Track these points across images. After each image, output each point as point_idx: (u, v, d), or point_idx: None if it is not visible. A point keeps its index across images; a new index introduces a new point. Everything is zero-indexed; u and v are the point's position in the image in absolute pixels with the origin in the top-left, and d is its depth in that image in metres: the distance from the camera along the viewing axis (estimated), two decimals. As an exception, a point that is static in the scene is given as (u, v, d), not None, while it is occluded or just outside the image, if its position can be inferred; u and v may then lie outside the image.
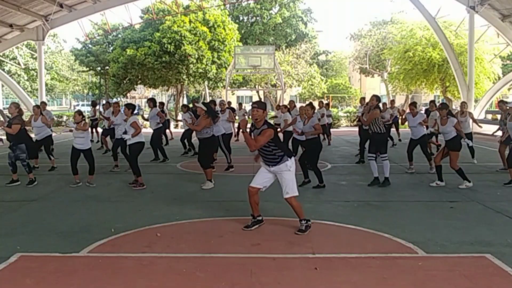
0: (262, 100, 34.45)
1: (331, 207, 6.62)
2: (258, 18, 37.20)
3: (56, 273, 4.14)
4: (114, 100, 36.72)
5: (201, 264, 4.33)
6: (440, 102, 12.88)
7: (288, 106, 11.68)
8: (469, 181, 7.80)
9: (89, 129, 8.92)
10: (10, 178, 8.38)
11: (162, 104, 14.48)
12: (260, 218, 5.46)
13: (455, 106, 35.38)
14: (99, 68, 34.47)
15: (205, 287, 3.84)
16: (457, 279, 3.94)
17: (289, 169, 5.18)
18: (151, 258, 4.48)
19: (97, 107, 16.64)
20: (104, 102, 18.64)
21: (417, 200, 7.05)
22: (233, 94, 42.96)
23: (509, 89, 27.73)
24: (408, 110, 9.81)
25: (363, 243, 4.94)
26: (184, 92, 36.70)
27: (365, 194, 7.45)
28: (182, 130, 13.38)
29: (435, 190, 7.69)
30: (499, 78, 23.16)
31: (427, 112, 11.18)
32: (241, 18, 37.64)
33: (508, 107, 9.39)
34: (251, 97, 49.51)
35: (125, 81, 27.48)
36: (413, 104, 9.83)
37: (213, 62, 25.97)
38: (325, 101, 15.39)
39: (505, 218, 5.92)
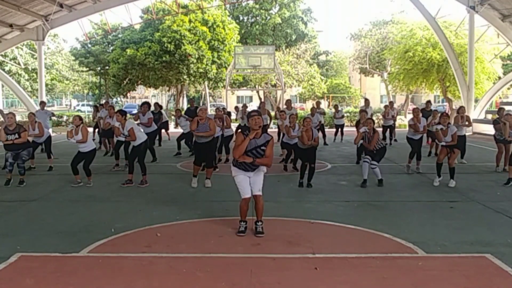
0: (262, 100, 34.49)
1: (331, 207, 6.62)
2: (257, 18, 37.17)
3: (56, 273, 4.14)
4: (113, 100, 36.74)
5: (201, 264, 4.33)
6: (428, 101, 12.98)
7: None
8: (455, 181, 7.93)
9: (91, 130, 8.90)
10: (5, 180, 8.29)
11: (160, 106, 14.39)
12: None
13: (455, 106, 35.35)
14: (98, 68, 34.49)
15: (205, 287, 3.84)
16: (457, 279, 3.95)
17: (264, 169, 5.29)
18: (151, 258, 4.48)
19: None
20: (103, 102, 18.59)
21: (417, 200, 7.05)
22: (233, 94, 42.97)
23: (508, 89, 27.70)
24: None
25: (363, 243, 4.94)
26: (184, 92, 36.72)
27: (365, 194, 7.45)
28: (180, 131, 13.24)
29: (435, 190, 7.70)
30: (499, 78, 23.15)
31: (423, 112, 11.16)
32: (241, 18, 37.62)
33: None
34: (251, 97, 49.54)
35: (125, 81, 27.50)
36: (417, 110, 9.70)
37: (213, 62, 25.98)
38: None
39: (505, 218, 5.93)
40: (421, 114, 9.61)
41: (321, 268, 4.19)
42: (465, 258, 4.47)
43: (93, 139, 10.06)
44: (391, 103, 15.13)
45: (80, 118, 8.44)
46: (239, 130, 5.87)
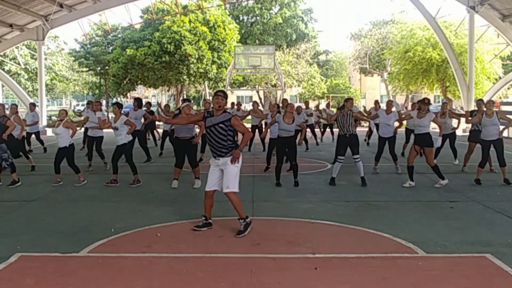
0: (262, 100, 34.48)
1: (331, 207, 6.62)
2: (258, 18, 37.16)
3: (56, 273, 4.14)
4: (113, 100, 36.71)
5: (201, 264, 4.33)
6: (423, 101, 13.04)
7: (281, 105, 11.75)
8: (444, 179, 7.85)
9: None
10: (11, 179, 8.32)
11: (149, 104, 14.33)
12: (210, 221, 5.43)
13: (455, 106, 35.32)
14: (98, 68, 34.48)
15: (205, 287, 3.84)
16: (457, 279, 3.94)
17: (235, 164, 5.16)
18: (151, 258, 4.48)
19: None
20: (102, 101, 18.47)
21: (417, 200, 7.05)
22: (233, 93, 42.97)
23: (508, 89, 27.73)
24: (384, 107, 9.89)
25: (363, 243, 4.94)
26: (184, 92, 36.70)
27: (365, 194, 7.45)
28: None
29: (435, 190, 7.69)
30: (499, 78, 23.16)
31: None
32: (241, 18, 37.61)
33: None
34: (251, 97, 49.57)
35: (125, 81, 27.49)
36: (390, 102, 9.78)
37: (213, 62, 25.98)
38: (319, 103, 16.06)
39: (505, 218, 5.93)
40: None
41: (321, 268, 4.19)
42: (465, 258, 4.47)
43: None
44: (377, 101, 15.11)
45: (66, 113, 8.48)
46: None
